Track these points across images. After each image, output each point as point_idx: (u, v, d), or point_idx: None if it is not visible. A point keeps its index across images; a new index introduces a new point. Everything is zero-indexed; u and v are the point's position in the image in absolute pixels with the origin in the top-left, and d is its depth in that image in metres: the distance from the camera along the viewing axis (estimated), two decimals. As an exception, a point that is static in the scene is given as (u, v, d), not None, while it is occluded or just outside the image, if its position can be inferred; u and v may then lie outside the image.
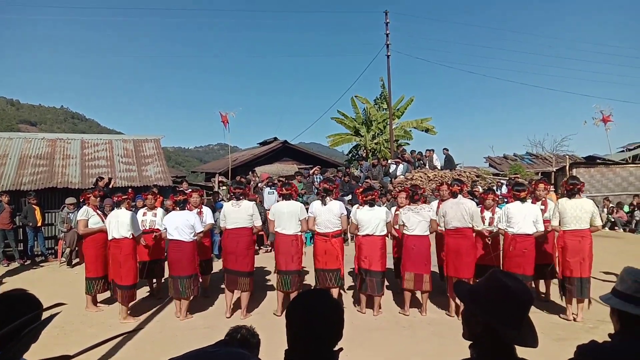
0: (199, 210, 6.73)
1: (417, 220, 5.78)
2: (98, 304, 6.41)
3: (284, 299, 5.84)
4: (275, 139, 24.47)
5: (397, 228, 6.15)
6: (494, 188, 9.17)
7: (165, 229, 5.91)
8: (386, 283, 6.34)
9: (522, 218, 5.60)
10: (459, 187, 5.94)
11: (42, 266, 9.69)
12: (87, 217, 6.33)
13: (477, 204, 7.24)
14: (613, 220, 14.30)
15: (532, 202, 6.14)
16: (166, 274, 6.86)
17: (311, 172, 14.25)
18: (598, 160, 18.48)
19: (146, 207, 7.10)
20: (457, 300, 5.40)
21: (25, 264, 9.87)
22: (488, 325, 1.41)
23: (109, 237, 6.00)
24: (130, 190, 8.16)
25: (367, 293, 5.82)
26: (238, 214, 5.87)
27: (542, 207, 6.19)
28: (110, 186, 10.78)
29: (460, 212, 5.65)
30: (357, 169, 16.80)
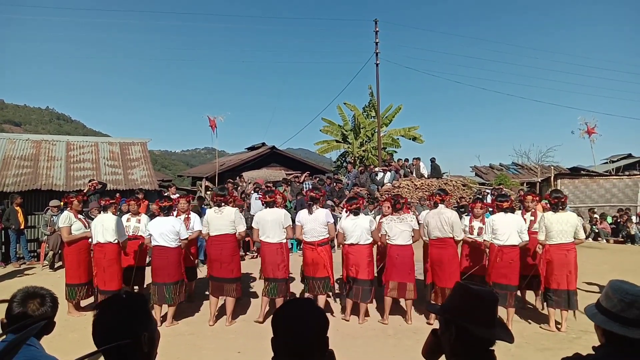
0: (186, 216, 6.66)
1: (399, 230, 5.81)
2: (81, 310, 6.28)
3: (268, 306, 5.85)
4: (264, 144, 24.39)
5: (380, 237, 6.17)
6: (481, 197, 9.25)
7: (150, 235, 5.78)
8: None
9: (508, 229, 5.64)
10: (441, 198, 5.97)
11: (24, 270, 9.50)
12: (70, 223, 6.12)
13: (467, 214, 7.29)
14: (597, 231, 14.51)
15: (522, 213, 6.23)
16: (147, 281, 6.76)
17: (301, 178, 14.24)
18: (582, 172, 18.77)
19: (130, 213, 7.00)
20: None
21: (5, 267, 9.70)
22: (462, 330, 1.47)
23: (94, 242, 5.91)
24: (117, 194, 8.07)
25: (353, 299, 5.83)
26: (220, 220, 5.81)
27: (532, 217, 6.29)
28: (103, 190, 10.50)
29: (441, 222, 5.68)
30: (344, 176, 16.83)
